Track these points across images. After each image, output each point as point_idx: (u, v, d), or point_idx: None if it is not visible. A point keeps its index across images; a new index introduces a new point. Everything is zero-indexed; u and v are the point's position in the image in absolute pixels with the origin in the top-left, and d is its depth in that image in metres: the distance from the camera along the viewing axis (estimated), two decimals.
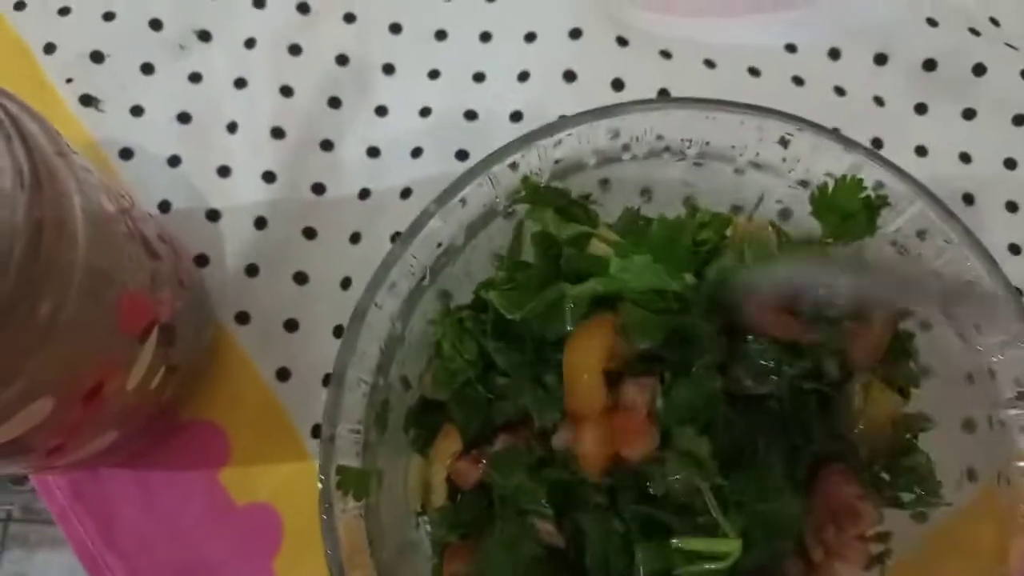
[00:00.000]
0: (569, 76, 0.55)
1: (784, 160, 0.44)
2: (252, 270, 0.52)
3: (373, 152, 0.54)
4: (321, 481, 0.38)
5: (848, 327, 0.42)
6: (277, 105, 0.55)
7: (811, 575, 0.42)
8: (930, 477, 0.43)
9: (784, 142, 0.43)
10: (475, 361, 0.43)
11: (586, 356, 0.40)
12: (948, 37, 0.56)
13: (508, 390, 0.43)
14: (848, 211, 0.42)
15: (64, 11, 0.56)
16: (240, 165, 0.54)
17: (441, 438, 0.44)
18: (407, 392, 0.44)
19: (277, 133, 0.54)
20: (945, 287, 0.40)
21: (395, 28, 0.57)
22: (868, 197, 0.42)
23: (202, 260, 0.52)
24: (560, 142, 0.43)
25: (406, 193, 0.53)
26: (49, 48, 0.55)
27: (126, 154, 0.54)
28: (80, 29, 0.56)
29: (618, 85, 0.55)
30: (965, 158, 0.54)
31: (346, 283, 0.52)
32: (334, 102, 0.55)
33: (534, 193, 0.43)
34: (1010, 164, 0.54)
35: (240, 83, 0.55)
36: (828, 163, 0.43)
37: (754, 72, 0.56)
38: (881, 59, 0.56)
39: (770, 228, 0.44)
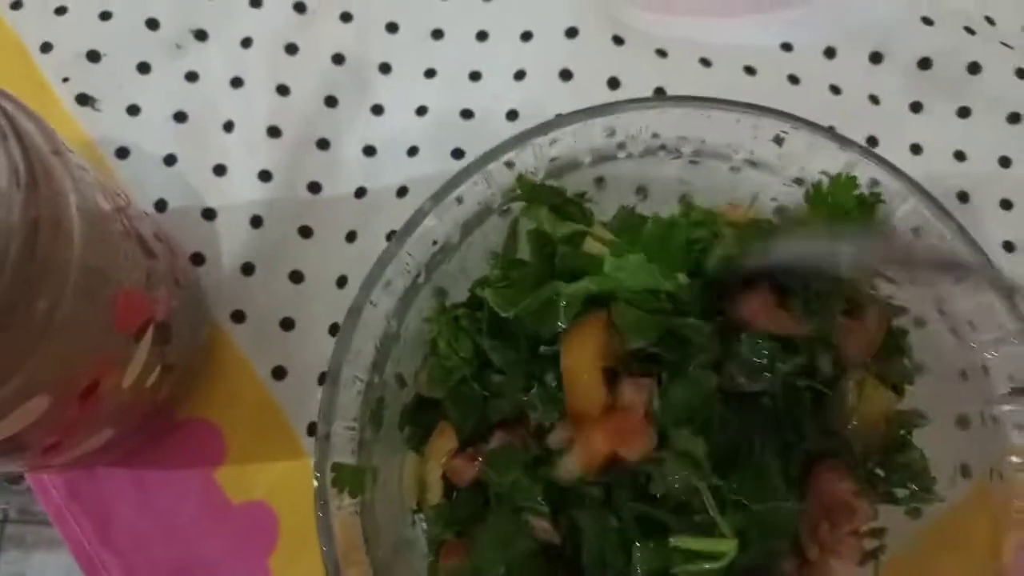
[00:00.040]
0: (565, 75, 0.55)
1: (779, 158, 0.44)
2: (248, 269, 0.52)
3: (369, 151, 0.55)
4: (316, 478, 0.38)
5: (841, 323, 0.42)
6: (273, 104, 0.55)
7: (806, 571, 0.42)
8: (924, 473, 0.43)
9: (779, 140, 0.43)
10: (471, 359, 0.43)
11: (584, 355, 0.40)
12: (943, 36, 0.56)
13: (504, 388, 0.43)
14: (843, 209, 0.42)
15: (61, 10, 0.56)
16: (236, 164, 0.54)
17: (436, 436, 0.44)
18: (402, 390, 0.44)
19: (273, 132, 0.54)
20: (934, 253, 0.40)
21: (392, 27, 0.57)
22: (863, 195, 0.42)
23: (198, 259, 0.52)
24: (556, 140, 0.43)
25: (402, 192, 0.53)
26: (46, 47, 0.55)
27: (122, 153, 0.54)
28: (77, 28, 0.56)
29: (614, 84, 0.55)
30: (960, 156, 0.54)
31: (342, 281, 0.52)
32: (330, 101, 0.55)
33: (529, 191, 0.43)
34: (1004, 162, 0.54)
35: (236, 82, 0.55)
36: (823, 161, 0.43)
37: (750, 71, 0.56)
38: (877, 58, 0.56)
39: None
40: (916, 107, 0.55)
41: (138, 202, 0.49)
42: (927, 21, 0.56)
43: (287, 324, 0.52)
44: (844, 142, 0.42)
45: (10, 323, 0.30)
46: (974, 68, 0.55)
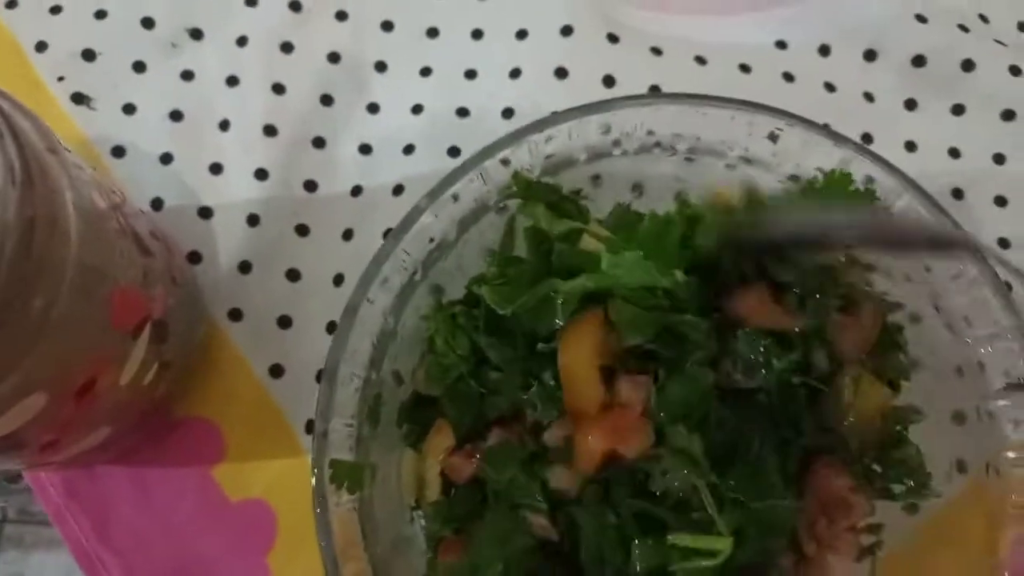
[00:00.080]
0: (561, 73, 0.55)
1: (774, 155, 0.44)
2: (245, 267, 0.52)
3: (365, 149, 0.55)
4: (315, 474, 0.38)
5: (836, 319, 0.42)
6: (269, 103, 0.55)
7: (803, 567, 0.42)
8: (920, 469, 0.43)
9: (774, 137, 0.43)
10: (467, 356, 0.43)
11: (581, 353, 0.40)
12: (937, 34, 0.56)
13: (501, 385, 0.43)
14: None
15: (56, 9, 0.56)
16: (232, 163, 0.54)
17: (434, 433, 0.44)
18: (400, 387, 0.44)
19: (269, 131, 0.54)
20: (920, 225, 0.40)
21: (387, 26, 0.57)
22: (858, 190, 0.42)
23: (195, 257, 0.52)
24: (551, 138, 0.43)
25: (398, 190, 0.53)
26: (41, 46, 0.55)
27: (118, 152, 0.54)
28: (72, 27, 0.56)
29: (609, 82, 0.55)
30: (954, 153, 0.55)
31: (339, 279, 0.52)
32: (326, 100, 0.55)
33: (525, 188, 0.44)
34: (999, 159, 0.54)
35: (232, 81, 0.55)
36: (818, 158, 0.43)
37: (745, 69, 0.56)
38: (871, 55, 0.56)
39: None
40: (910, 104, 0.56)
41: (134, 201, 0.49)
42: (921, 19, 0.56)
43: (284, 322, 0.52)
44: (839, 139, 0.42)
45: (6, 321, 0.30)
46: (968, 65, 0.55)
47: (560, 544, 0.41)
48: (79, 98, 0.55)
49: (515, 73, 0.56)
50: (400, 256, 0.42)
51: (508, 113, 0.55)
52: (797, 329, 0.41)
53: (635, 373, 0.40)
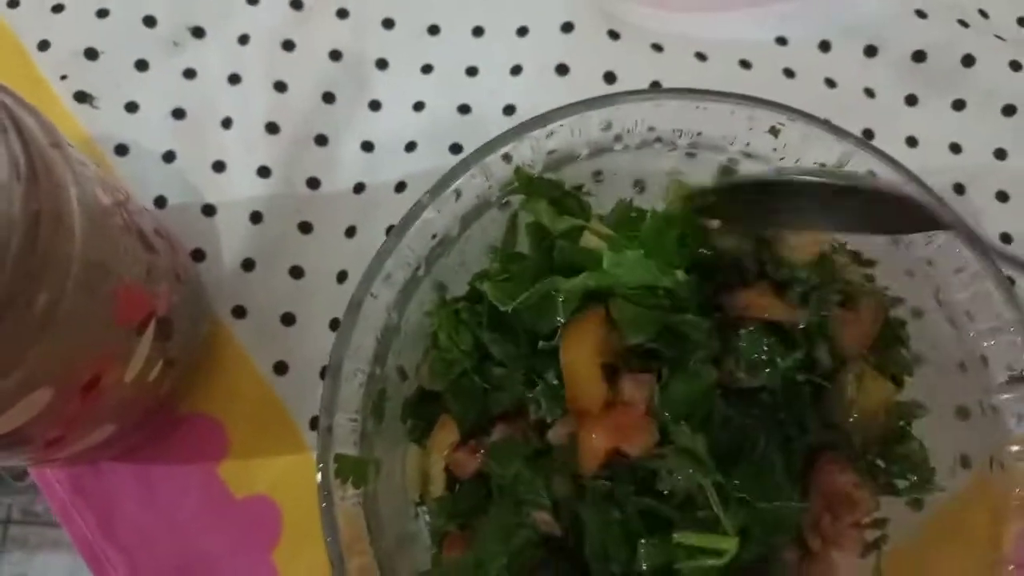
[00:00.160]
0: (561, 70, 0.55)
1: (775, 150, 0.44)
2: (248, 264, 0.52)
3: (367, 147, 0.55)
4: (320, 470, 0.38)
5: (837, 314, 0.42)
6: (271, 101, 0.55)
7: (808, 563, 0.42)
8: (924, 464, 0.43)
9: (775, 132, 0.43)
10: (471, 352, 0.43)
11: (582, 351, 0.40)
12: (937, 29, 0.56)
13: (504, 380, 0.43)
14: None
15: (58, 8, 0.56)
16: (235, 160, 0.54)
17: (439, 428, 0.44)
18: (404, 382, 0.44)
19: (271, 128, 0.54)
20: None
21: (388, 23, 0.57)
22: None
23: (198, 255, 0.52)
24: (552, 133, 0.43)
25: (400, 187, 0.53)
26: (43, 45, 0.55)
27: (121, 150, 0.54)
28: (74, 26, 0.56)
29: (610, 78, 0.55)
30: (955, 149, 0.55)
31: (342, 276, 0.52)
32: (328, 97, 0.55)
33: (527, 184, 0.44)
34: (1000, 154, 0.54)
35: (234, 79, 0.55)
36: (819, 152, 0.43)
37: (745, 65, 0.56)
38: (871, 51, 0.56)
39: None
40: (911, 100, 0.56)
41: (138, 199, 0.49)
42: (921, 14, 0.56)
43: (288, 319, 0.52)
44: (840, 133, 0.42)
45: (11, 316, 0.30)
46: (968, 61, 0.55)
47: (564, 540, 0.41)
48: (82, 97, 0.55)
49: (516, 70, 0.56)
50: (403, 252, 0.42)
51: (509, 110, 0.55)
52: (800, 325, 0.42)
53: (638, 371, 0.41)
